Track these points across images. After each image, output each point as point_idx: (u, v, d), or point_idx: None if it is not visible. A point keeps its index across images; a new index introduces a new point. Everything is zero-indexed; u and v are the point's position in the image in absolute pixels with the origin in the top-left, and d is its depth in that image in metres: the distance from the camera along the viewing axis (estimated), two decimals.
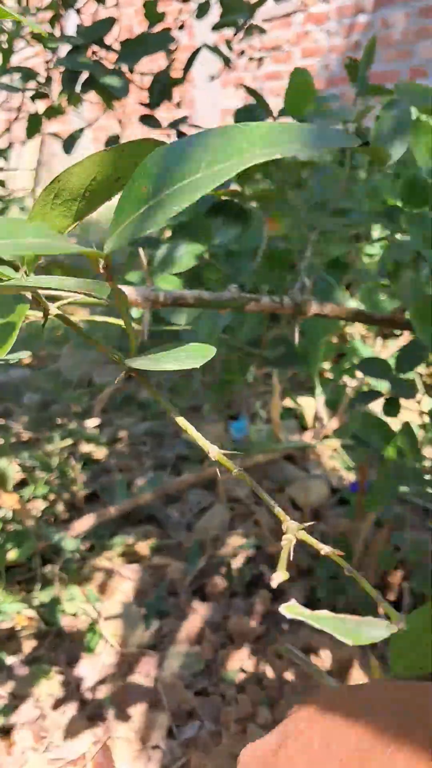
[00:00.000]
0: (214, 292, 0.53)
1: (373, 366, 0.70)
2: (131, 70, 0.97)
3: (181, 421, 0.28)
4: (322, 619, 0.27)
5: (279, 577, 0.24)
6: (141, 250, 0.48)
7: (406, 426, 0.68)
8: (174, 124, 1.07)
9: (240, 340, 0.68)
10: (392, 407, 0.70)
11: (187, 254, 0.62)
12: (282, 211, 0.71)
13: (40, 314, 0.29)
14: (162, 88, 1.04)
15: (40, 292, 0.28)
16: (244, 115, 0.74)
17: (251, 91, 0.74)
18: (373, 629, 0.28)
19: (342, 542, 1.06)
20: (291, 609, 0.26)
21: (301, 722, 0.24)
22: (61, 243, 0.21)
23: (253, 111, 0.75)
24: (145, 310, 0.48)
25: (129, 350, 0.29)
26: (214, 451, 0.28)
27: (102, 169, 0.24)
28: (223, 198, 0.66)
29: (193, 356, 0.25)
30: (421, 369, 1.49)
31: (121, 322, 0.29)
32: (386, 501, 0.68)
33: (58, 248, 0.20)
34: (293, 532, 0.26)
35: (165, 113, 1.13)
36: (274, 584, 0.23)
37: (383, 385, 0.69)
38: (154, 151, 0.23)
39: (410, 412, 1.38)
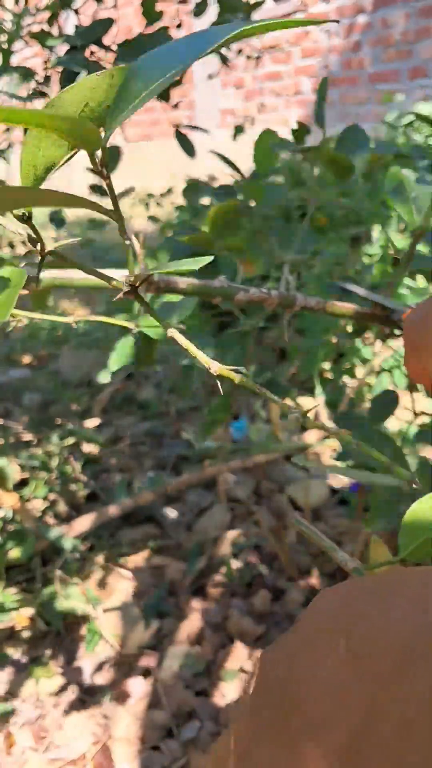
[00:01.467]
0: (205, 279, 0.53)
1: (349, 420, 0.69)
2: None
3: (178, 337, 0.28)
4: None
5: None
6: (134, 236, 0.47)
7: (394, 446, 0.68)
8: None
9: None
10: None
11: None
12: (254, 253, 0.73)
13: (36, 317, 0.29)
14: None
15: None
16: (191, 189, 0.78)
17: (222, 157, 0.78)
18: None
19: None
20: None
21: (322, 620, 0.20)
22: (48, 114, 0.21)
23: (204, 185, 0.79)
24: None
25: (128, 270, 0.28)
26: (215, 366, 0.28)
27: (94, 94, 0.23)
28: (196, 248, 0.67)
29: (196, 262, 0.25)
30: None
31: (119, 322, 0.29)
32: (386, 520, 0.67)
33: (41, 116, 0.18)
34: (286, 417, 0.28)
35: (165, 113, 1.13)
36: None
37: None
38: (140, 58, 0.23)
39: (407, 412, 1.38)
